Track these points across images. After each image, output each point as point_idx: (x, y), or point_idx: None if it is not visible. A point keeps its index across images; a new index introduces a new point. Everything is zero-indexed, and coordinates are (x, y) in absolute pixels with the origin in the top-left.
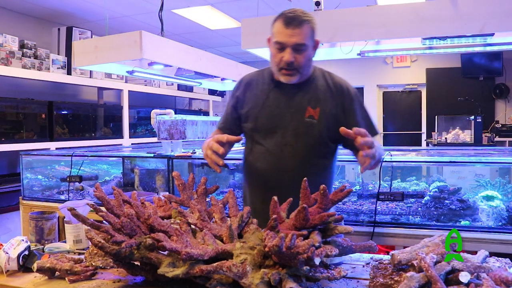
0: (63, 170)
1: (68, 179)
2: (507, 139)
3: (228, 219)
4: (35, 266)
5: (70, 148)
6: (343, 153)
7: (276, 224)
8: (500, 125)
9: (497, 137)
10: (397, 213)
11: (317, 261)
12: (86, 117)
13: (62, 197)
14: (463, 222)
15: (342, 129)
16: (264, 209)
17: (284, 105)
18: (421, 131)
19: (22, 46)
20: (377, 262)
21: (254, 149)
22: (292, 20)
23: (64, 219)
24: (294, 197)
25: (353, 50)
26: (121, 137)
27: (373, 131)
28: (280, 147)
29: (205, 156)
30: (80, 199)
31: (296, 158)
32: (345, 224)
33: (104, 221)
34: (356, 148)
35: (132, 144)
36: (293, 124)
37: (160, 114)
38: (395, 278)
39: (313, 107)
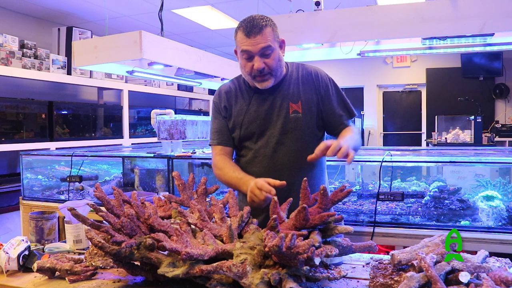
0: (63, 170)
1: (68, 179)
2: (507, 139)
3: (228, 219)
4: (35, 266)
5: (70, 148)
6: None
7: (276, 224)
8: (500, 125)
9: (497, 137)
10: (397, 213)
11: (317, 261)
12: (86, 117)
13: (62, 197)
14: (463, 222)
15: (309, 158)
16: (264, 211)
17: (267, 107)
18: (421, 131)
19: (22, 46)
20: (377, 262)
21: (246, 156)
22: (252, 28)
23: (64, 219)
24: (295, 193)
25: (353, 50)
26: (121, 137)
27: (350, 114)
28: (271, 147)
29: (253, 197)
30: (80, 199)
31: (289, 155)
32: (345, 224)
33: (104, 221)
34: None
35: (132, 144)
36: (280, 123)
37: (160, 114)
38: (395, 278)
39: (294, 102)
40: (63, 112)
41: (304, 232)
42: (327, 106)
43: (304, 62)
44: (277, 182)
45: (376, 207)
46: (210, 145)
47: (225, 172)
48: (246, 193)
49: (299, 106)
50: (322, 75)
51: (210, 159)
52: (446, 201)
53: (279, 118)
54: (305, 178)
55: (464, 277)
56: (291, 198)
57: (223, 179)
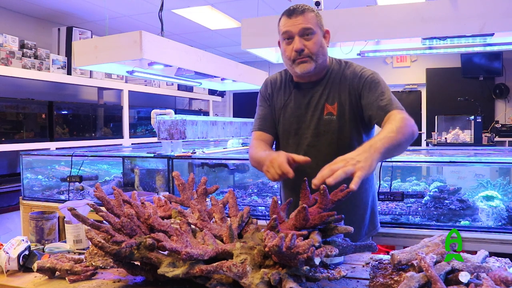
0: (63, 170)
1: (68, 179)
2: (507, 139)
3: (228, 219)
4: (35, 266)
5: (70, 148)
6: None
7: (276, 224)
8: (500, 125)
9: (497, 137)
10: (397, 213)
11: (317, 261)
12: (86, 117)
13: (62, 197)
14: (463, 222)
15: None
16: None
17: (304, 105)
18: (421, 131)
19: (22, 46)
20: (377, 262)
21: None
22: (293, 10)
23: (64, 219)
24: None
25: (353, 50)
26: (121, 137)
27: (391, 107)
28: (302, 149)
29: (269, 168)
30: (80, 199)
31: (318, 158)
32: None
33: (104, 221)
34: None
35: (132, 144)
36: (313, 124)
37: (160, 114)
38: (395, 278)
39: (330, 103)
40: (63, 112)
41: (304, 232)
42: (365, 100)
43: (352, 61)
44: (301, 158)
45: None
46: (252, 131)
47: (255, 151)
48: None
49: (335, 108)
50: (367, 73)
51: (210, 159)
52: (446, 201)
53: (313, 119)
54: (305, 178)
55: (464, 277)
56: (291, 198)
57: (252, 158)
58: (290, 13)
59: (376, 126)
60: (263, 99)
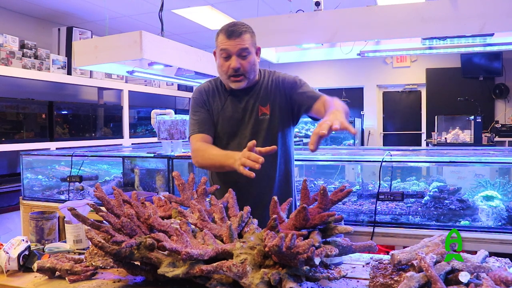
0: (63, 170)
1: (68, 179)
2: (507, 139)
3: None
4: (35, 266)
5: (70, 148)
6: (343, 153)
7: (276, 224)
8: (500, 125)
9: (496, 137)
10: (397, 213)
11: (317, 261)
12: (86, 117)
13: (62, 197)
14: (462, 222)
15: (312, 146)
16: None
17: (240, 109)
18: (421, 131)
19: (22, 46)
20: (377, 262)
21: None
22: (232, 31)
23: (64, 219)
24: (265, 191)
25: (353, 50)
26: (121, 137)
27: (318, 94)
28: (242, 147)
29: (243, 164)
30: (80, 199)
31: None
32: (345, 224)
33: (104, 221)
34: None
35: (132, 144)
36: (250, 124)
37: (160, 114)
38: (395, 278)
39: (263, 105)
40: (63, 112)
41: (304, 232)
42: (295, 95)
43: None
44: (267, 149)
45: (376, 207)
46: (189, 136)
47: (208, 152)
48: (231, 167)
49: (267, 109)
50: (290, 77)
51: None
52: (446, 201)
53: (250, 120)
54: (305, 178)
55: (464, 277)
56: (291, 198)
57: (206, 159)
58: (230, 34)
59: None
60: (199, 105)
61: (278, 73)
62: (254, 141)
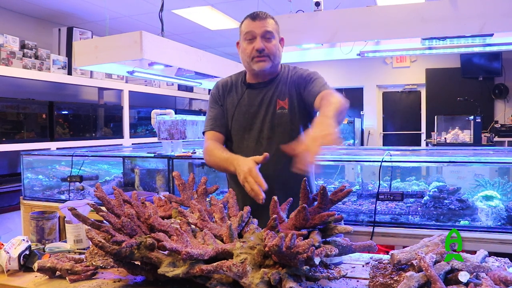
0: (64, 170)
1: (68, 179)
2: (506, 139)
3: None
4: (36, 265)
5: (70, 148)
6: (343, 153)
7: (276, 224)
8: (499, 125)
9: (496, 137)
10: (397, 213)
11: (317, 260)
12: (86, 117)
13: (63, 197)
14: (462, 222)
15: (286, 149)
16: (250, 202)
17: (257, 102)
18: (420, 131)
19: (22, 46)
20: (376, 262)
21: (234, 149)
22: (257, 15)
23: (65, 219)
24: (279, 187)
25: (353, 50)
26: (122, 137)
27: (323, 87)
28: (257, 140)
29: (244, 181)
30: (81, 199)
31: (274, 148)
32: (345, 224)
33: (104, 221)
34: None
35: (132, 144)
36: (268, 118)
37: (160, 114)
38: (395, 278)
39: (282, 99)
40: (63, 112)
41: (304, 232)
42: (305, 92)
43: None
44: (261, 158)
45: (375, 207)
46: (203, 132)
47: (214, 154)
48: (233, 172)
49: (286, 103)
50: (305, 73)
51: None
52: (446, 201)
53: (268, 114)
54: (304, 178)
55: (463, 276)
56: (291, 198)
57: (211, 161)
58: (255, 16)
59: None
60: (214, 100)
61: (298, 68)
62: (266, 154)
